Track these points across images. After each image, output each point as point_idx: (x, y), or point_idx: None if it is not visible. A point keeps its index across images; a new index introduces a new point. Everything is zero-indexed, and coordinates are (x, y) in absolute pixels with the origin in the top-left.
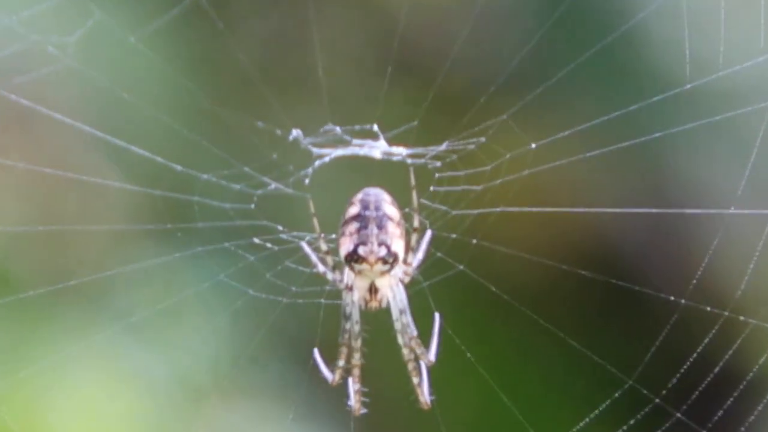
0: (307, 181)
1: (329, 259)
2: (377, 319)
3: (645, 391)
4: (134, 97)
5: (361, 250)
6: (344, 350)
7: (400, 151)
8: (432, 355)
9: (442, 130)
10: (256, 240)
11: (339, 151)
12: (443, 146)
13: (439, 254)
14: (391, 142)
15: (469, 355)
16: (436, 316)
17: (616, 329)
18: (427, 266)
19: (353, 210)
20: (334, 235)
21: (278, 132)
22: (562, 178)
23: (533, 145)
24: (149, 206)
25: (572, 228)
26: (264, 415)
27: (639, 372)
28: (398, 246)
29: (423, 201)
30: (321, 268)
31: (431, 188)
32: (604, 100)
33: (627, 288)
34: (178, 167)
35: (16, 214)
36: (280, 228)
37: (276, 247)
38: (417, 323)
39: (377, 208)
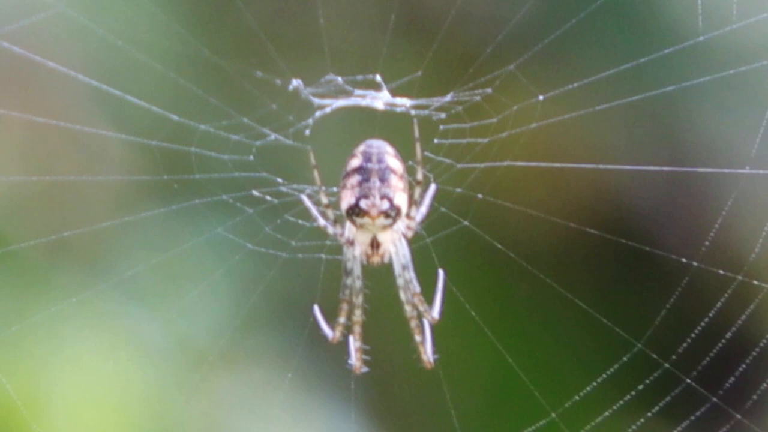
0: (307, 132)
1: (330, 213)
2: (379, 275)
3: (654, 356)
4: (130, 45)
5: (363, 204)
6: (345, 306)
7: (404, 102)
8: (435, 311)
9: (447, 82)
10: (255, 192)
11: (340, 102)
12: (448, 97)
13: (443, 209)
14: (394, 92)
15: (473, 314)
16: (440, 272)
17: (626, 291)
18: (430, 221)
19: (355, 162)
20: (335, 188)
21: (278, 82)
22: (572, 132)
23: (541, 97)
24: (145, 158)
25: (581, 184)
26: (265, 378)
27: (649, 336)
28: (401, 199)
29: (427, 154)
30: (321, 221)
31: (435, 140)
32: (615, 52)
33: (638, 249)
34: (175, 117)
35: (10, 167)
36: (280, 180)
37: (275, 200)
38: (420, 280)
39: (380, 161)
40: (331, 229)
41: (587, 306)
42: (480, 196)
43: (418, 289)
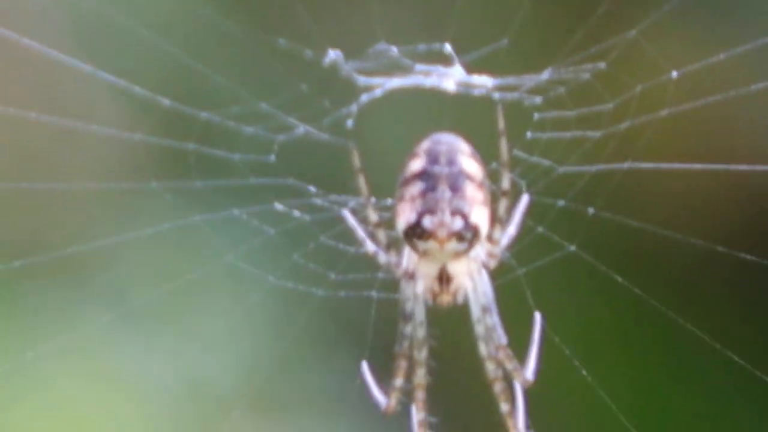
0: (350, 123)
1: (382, 234)
2: (451, 320)
3: None
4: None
5: (428, 222)
6: (403, 364)
7: (484, 82)
8: (529, 372)
9: (543, 53)
10: (279, 206)
11: (396, 81)
12: (545, 75)
13: (540, 229)
14: (470, 68)
15: (584, 372)
16: (536, 316)
17: None
18: (522, 246)
19: (417, 164)
20: (389, 201)
21: (309, 54)
22: (719, 121)
23: (675, 74)
24: (128, 156)
25: (733, 194)
26: None
27: None
28: (480, 216)
29: (516, 153)
30: (370, 246)
31: (528, 134)
32: None
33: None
34: (166, 101)
35: None
36: (312, 189)
37: (307, 216)
38: (508, 327)
39: (451, 163)
40: (383, 257)
41: (737, 356)
42: (591, 210)
43: (504, 340)
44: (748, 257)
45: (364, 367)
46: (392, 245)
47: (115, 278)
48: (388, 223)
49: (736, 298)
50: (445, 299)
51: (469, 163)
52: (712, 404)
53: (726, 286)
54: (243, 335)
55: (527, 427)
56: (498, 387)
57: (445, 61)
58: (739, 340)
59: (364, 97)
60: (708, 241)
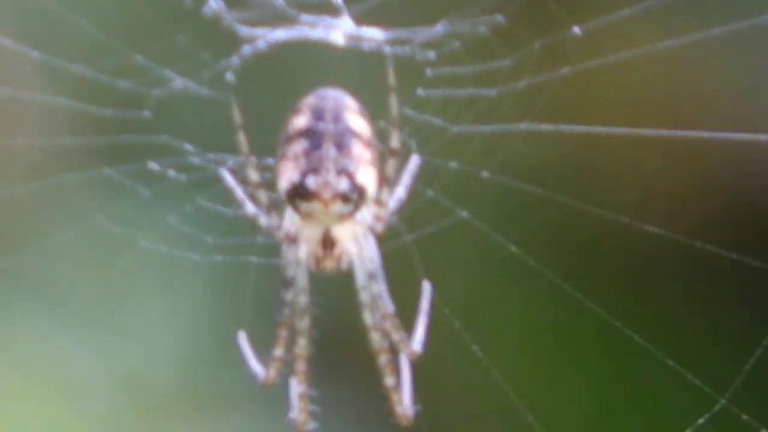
0: (230, 76)
1: (263, 195)
2: (335, 286)
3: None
4: None
5: (311, 182)
6: (283, 333)
7: (373, 35)
8: (417, 343)
9: (438, 3)
10: (153, 165)
11: (280, 33)
12: (439, 27)
13: (430, 193)
14: (360, 20)
15: (475, 348)
16: (425, 285)
17: (704, 324)
18: (412, 210)
19: (300, 121)
20: (271, 160)
21: (187, 1)
22: (625, 79)
23: (577, 30)
24: None
25: (640, 158)
26: None
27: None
28: (367, 176)
29: (407, 110)
30: (250, 208)
31: (420, 91)
32: None
33: (743, 263)
34: (34, 53)
35: None
36: (189, 147)
37: (183, 176)
38: (395, 296)
39: (336, 119)
40: (263, 220)
41: (643, 340)
42: (485, 174)
43: (390, 309)
44: (659, 232)
45: (241, 337)
46: (273, 207)
47: None
48: (270, 184)
49: (646, 277)
50: (329, 264)
51: (357, 121)
52: (595, 377)
53: (638, 263)
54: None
55: (413, 402)
56: (383, 359)
57: (334, 10)
58: (639, 321)
59: (246, 50)
60: (608, 211)
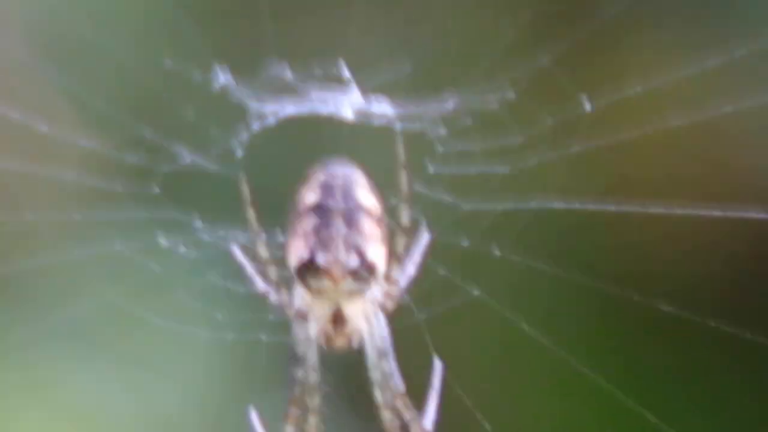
0: (239, 152)
1: (273, 271)
2: (346, 365)
3: None
4: None
5: (321, 259)
6: (293, 411)
7: (384, 110)
8: (428, 420)
9: (448, 79)
10: (163, 240)
11: (290, 109)
12: (450, 103)
13: (442, 272)
14: (369, 93)
15: (487, 426)
16: (436, 364)
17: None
18: (423, 289)
19: (310, 197)
20: (281, 236)
21: (197, 76)
22: (638, 158)
23: (588, 106)
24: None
25: (655, 236)
26: None
27: None
28: (377, 253)
29: (417, 187)
30: (260, 285)
31: (430, 168)
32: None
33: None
34: (43, 126)
35: None
36: (198, 224)
37: (193, 252)
38: (406, 374)
39: (346, 196)
40: (273, 297)
41: (655, 418)
42: (497, 252)
43: (401, 387)
44: (669, 309)
45: (252, 415)
46: (284, 284)
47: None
48: (280, 260)
49: (656, 352)
50: (340, 342)
51: (367, 197)
52: None
53: (647, 339)
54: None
55: None
56: None
57: (343, 84)
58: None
59: (256, 125)
60: (626, 289)
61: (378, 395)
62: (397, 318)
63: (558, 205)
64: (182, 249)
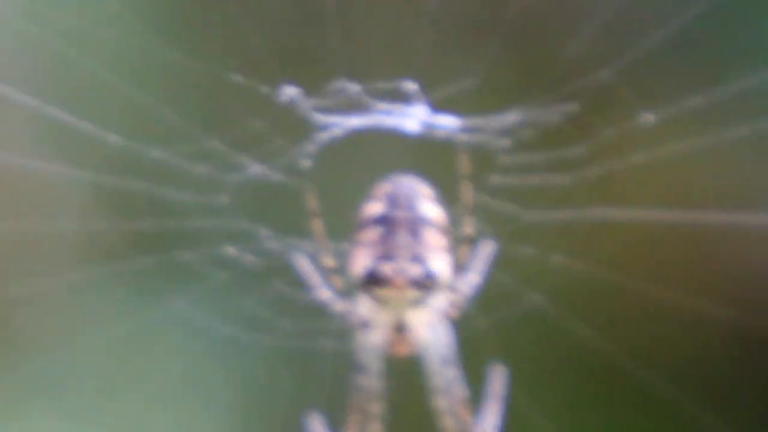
0: (305, 163)
1: (337, 281)
2: (408, 371)
3: None
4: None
5: (386, 268)
6: (355, 418)
7: (449, 122)
8: (489, 425)
9: (512, 93)
10: (231, 250)
11: (355, 121)
12: (512, 116)
13: (504, 278)
14: (435, 107)
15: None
16: (498, 369)
17: None
18: (487, 296)
19: (375, 208)
20: (345, 246)
21: (263, 89)
22: (701, 168)
23: (651, 117)
24: (75, 194)
25: (719, 248)
26: None
27: None
28: (441, 263)
29: (480, 197)
30: (324, 293)
31: (494, 178)
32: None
33: None
34: (114, 137)
35: None
36: (265, 232)
37: (259, 261)
38: (470, 381)
39: (410, 206)
40: (337, 305)
41: None
42: (557, 259)
43: (465, 393)
44: (740, 320)
45: (313, 420)
46: (347, 293)
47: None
48: (344, 270)
49: (726, 365)
50: (403, 350)
51: (430, 208)
52: None
53: (713, 352)
54: (179, 397)
55: None
56: None
57: (408, 99)
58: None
59: (322, 137)
60: (691, 297)
61: (439, 402)
62: (462, 325)
63: (620, 213)
64: (249, 258)
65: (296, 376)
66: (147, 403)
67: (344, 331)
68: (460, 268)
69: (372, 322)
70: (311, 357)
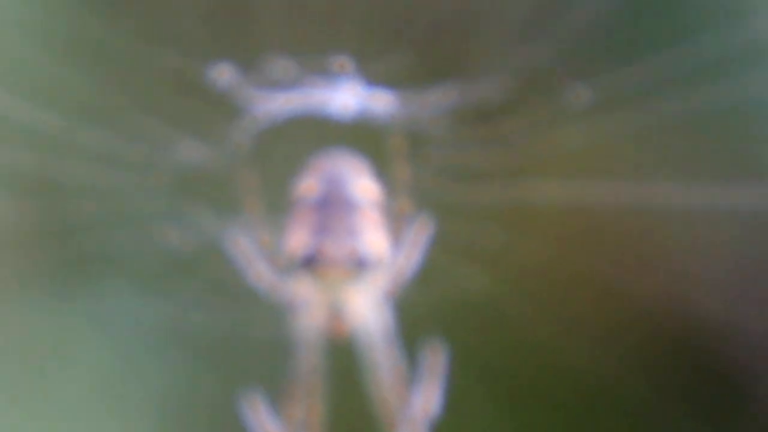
0: (239, 142)
1: (271, 262)
2: (345, 354)
3: None
4: None
5: (321, 247)
6: (290, 402)
7: (384, 101)
8: (430, 402)
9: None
10: (165, 234)
11: (291, 98)
12: (450, 93)
13: (443, 256)
14: (372, 83)
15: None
16: (436, 349)
17: None
18: (425, 276)
19: (311, 186)
20: (280, 225)
21: (197, 69)
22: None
23: (582, 95)
24: None
25: (656, 223)
26: None
27: None
28: (378, 241)
29: (417, 176)
30: (258, 275)
31: (428, 154)
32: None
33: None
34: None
35: None
36: (199, 214)
37: (191, 243)
38: (408, 360)
39: (345, 182)
40: (271, 286)
41: None
42: (503, 237)
43: (402, 372)
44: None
45: (245, 406)
46: (283, 273)
47: None
48: (279, 249)
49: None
50: (339, 331)
51: (368, 185)
52: None
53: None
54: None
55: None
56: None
57: (344, 74)
58: None
59: (256, 115)
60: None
61: (379, 385)
62: (399, 306)
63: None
64: (180, 240)
65: (222, 377)
66: (53, 412)
67: (277, 322)
68: (396, 245)
69: (308, 301)
70: (240, 354)
